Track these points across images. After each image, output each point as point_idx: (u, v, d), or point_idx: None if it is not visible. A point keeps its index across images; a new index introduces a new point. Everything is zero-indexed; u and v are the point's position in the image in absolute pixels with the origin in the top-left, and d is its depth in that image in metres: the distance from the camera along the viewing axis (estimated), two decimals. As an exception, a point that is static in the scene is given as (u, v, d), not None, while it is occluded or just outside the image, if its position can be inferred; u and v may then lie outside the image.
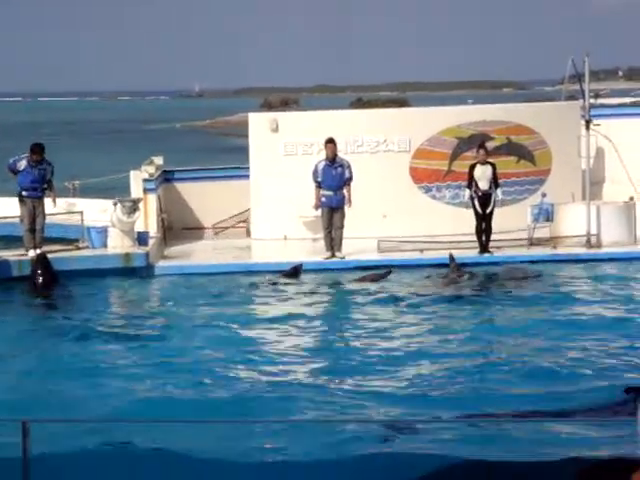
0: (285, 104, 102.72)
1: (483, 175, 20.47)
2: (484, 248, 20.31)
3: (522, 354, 13.83)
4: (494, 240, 20.43)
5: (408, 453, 9.30)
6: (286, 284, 18.97)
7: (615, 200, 22.14)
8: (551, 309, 16.57)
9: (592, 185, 21.65)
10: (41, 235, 19.87)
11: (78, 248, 20.47)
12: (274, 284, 18.91)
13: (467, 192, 20.63)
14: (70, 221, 21.43)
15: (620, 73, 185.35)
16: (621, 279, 18.74)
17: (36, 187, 19.73)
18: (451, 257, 19.46)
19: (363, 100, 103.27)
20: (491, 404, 11.64)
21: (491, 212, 20.38)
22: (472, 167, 20.63)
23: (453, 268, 19.19)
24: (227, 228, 23.49)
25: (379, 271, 19.34)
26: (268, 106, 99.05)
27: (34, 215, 19.74)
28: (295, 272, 19.48)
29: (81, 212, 21.46)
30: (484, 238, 20.32)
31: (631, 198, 21.67)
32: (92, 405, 12.07)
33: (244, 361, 13.96)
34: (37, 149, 19.76)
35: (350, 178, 20.54)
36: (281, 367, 13.65)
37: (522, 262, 19.95)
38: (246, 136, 23.68)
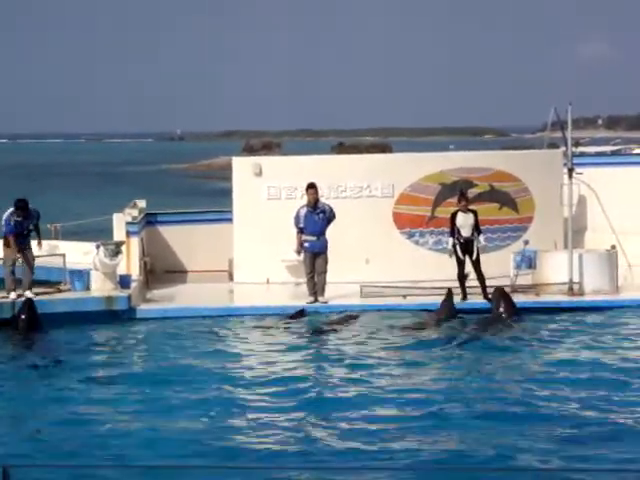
0: (267, 148, 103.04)
1: (465, 222, 20.53)
2: (464, 295, 20.29)
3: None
4: (475, 287, 20.40)
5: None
6: (268, 328, 18.95)
7: (596, 248, 22.23)
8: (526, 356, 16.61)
9: (574, 233, 21.74)
10: (31, 278, 19.85)
11: (60, 291, 20.39)
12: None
13: (450, 240, 20.65)
14: (52, 263, 21.33)
15: (600, 122, 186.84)
16: (602, 327, 18.77)
17: (23, 235, 19.85)
18: (449, 293, 19.54)
19: (345, 145, 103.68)
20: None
21: (477, 259, 20.41)
22: (454, 215, 20.68)
23: (445, 309, 19.30)
24: (209, 272, 23.45)
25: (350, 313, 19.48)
26: (250, 150, 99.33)
27: (16, 258, 19.76)
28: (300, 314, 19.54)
29: (63, 255, 21.37)
30: (480, 287, 20.24)
31: (613, 247, 21.76)
32: (69, 448, 12.00)
33: (225, 404, 13.92)
34: (22, 205, 19.80)
35: (333, 216, 20.61)
36: (262, 410, 13.61)
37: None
38: (228, 179, 23.71)
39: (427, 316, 19.40)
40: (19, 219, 19.69)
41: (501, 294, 19.69)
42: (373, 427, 12.74)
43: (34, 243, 20.15)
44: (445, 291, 19.98)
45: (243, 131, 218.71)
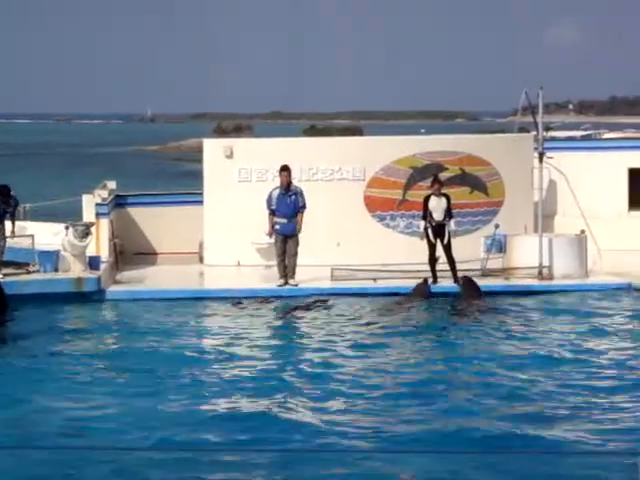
0: (238, 130, 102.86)
1: (438, 206, 20.55)
2: (435, 279, 20.33)
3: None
4: (446, 270, 20.45)
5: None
6: (240, 309, 18.92)
7: (566, 233, 22.32)
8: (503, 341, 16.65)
9: (544, 217, 21.82)
10: (0, 259, 19.79)
11: (29, 272, 20.26)
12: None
13: (422, 223, 20.66)
14: (21, 244, 21.19)
15: (571, 106, 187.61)
16: (570, 311, 18.87)
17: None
18: (425, 282, 19.57)
19: (317, 128, 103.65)
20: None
21: (448, 244, 20.43)
22: (427, 198, 20.69)
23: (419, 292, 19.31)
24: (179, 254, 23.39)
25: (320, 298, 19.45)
26: (221, 132, 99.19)
27: None
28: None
29: (32, 235, 21.24)
30: (450, 271, 20.28)
31: (582, 231, 21.86)
32: (33, 430, 11.94)
33: (195, 386, 13.87)
34: (4, 191, 19.92)
35: (303, 206, 20.52)
36: (228, 394, 13.58)
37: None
38: (198, 161, 23.60)
39: (399, 299, 19.41)
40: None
41: (467, 283, 19.66)
42: (346, 410, 12.73)
43: (7, 228, 20.04)
44: (416, 275, 20.04)
45: (214, 113, 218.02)
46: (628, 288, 20.32)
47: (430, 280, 20.14)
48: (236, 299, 19.58)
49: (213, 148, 23.32)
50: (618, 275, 21.11)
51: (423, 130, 77.31)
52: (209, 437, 11.76)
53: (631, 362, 15.26)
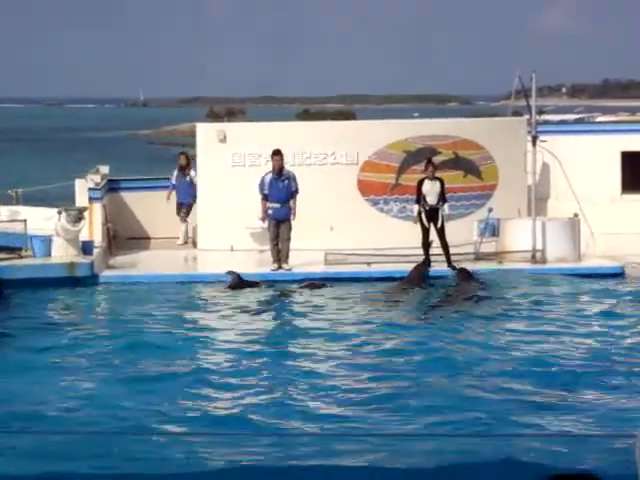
0: (231, 114, 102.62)
1: (432, 190, 20.54)
2: (429, 263, 20.29)
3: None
4: (439, 254, 20.46)
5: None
6: (231, 295, 18.89)
7: (559, 216, 22.34)
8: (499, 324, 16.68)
9: (537, 201, 21.83)
10: None
11: (21, 257, 20.24)
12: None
13: (415, 207, 20.66)
14: (13, 229, 21.15)
15: (564, 90, 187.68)
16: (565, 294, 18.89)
17: None
18: (425, 262, 19.52)
19: (310, 112, 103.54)
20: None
21: (442, 228, 20.42)
22: (420, 182, 20.69)
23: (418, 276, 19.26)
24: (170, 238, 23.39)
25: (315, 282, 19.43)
26: (214, 116, 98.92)
27: None
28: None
29: (24, 220, 21.20)
30: (444, 255, 20.28)
31: (575, 214, 21.88)
32: (24, 416, 11.93)
33: (184, 373, 13.86)
34: None
35: (296, 191, 20.50)
36: (221, 378, 13.57)
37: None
38: (191, 146, 23.54)
39: (395, 283, 19.39)
40: None
41: (463, 275, 19.62)
42: (344, 397, 12.73)
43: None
44: (409, 259, 20.03)
45: (207, 97, 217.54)
46: (621, 271, 20.35)
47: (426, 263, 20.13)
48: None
49: (206, 132, 23.28)
50: (611, 258, 21.14)
51: (416, 114, 77.20)
52: (204, 421, 11.76)
53: (625, 344, 15.29)
